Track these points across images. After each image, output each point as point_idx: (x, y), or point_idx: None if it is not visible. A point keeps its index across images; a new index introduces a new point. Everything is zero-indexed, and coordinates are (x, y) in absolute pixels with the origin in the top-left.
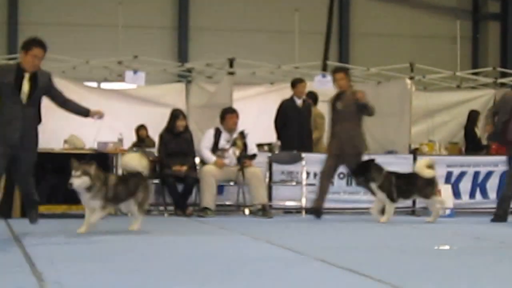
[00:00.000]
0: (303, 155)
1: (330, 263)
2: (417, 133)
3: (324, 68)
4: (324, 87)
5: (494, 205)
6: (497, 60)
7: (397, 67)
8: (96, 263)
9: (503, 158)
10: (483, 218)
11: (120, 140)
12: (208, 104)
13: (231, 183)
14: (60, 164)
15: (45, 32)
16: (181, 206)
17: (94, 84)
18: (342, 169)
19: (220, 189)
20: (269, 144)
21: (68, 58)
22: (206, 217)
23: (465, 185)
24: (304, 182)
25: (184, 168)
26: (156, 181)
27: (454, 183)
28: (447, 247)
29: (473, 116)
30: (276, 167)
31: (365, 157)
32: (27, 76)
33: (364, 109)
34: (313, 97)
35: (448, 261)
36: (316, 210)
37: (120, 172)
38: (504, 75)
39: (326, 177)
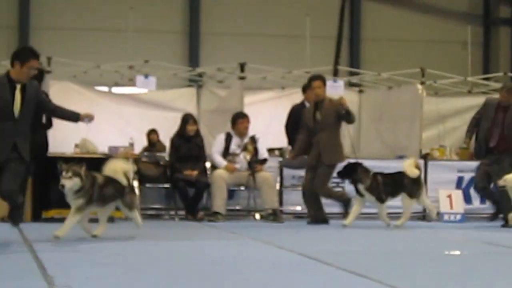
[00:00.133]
0: None
1: (340, 268)
2: (428, 138)
3: (335, 73)
4: (335, 92)
5: None
6: (508, 65)
7: (408, 72)
8: (107, 267)
9: None
10: (494, 223)
11: (131, 145)
12: (219, 108)
13: (242, 188)
14: None
15: (56, 37)
16: (192, 210)
17: (105, 89)
18: None
19: (231, 193)
20: (280, 149)
21: (79, 63)
22: (217, 222)
23: None
24: None
25: (195, 172)
26: (167, 185)
27: (465, 188)
28: (457, 252)
29: None
30: (287, 172)
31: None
32: (18, 87)
33: (347, 116)
34: None
35: (459, 267)
36: (320, 220)
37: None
38: None
39: (308, 191)
